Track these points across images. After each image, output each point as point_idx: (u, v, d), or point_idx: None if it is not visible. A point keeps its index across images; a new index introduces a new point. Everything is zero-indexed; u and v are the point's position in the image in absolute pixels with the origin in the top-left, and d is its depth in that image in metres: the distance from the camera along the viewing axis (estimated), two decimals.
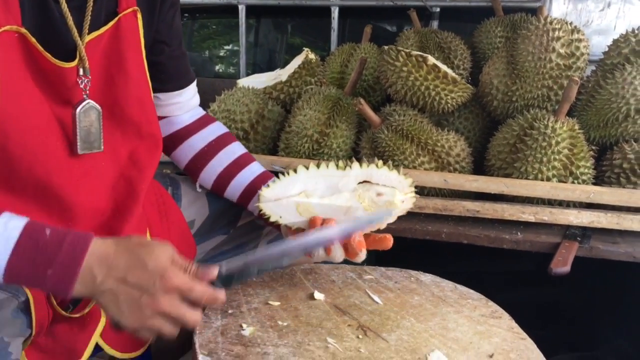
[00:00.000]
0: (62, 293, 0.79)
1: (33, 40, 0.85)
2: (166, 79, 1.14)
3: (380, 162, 1.01)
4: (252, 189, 1.17)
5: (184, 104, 1.20)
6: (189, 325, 0.85)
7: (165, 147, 1.23)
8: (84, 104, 0.92)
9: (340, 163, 1.01)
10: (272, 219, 1.01)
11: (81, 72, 0.92)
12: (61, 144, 0.91)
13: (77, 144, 0.93)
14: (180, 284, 0.82)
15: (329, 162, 1.01)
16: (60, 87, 0.90)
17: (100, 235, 0.92)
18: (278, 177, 1.01)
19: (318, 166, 1.01)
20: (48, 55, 0.87)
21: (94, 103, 0.94)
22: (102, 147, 0.97)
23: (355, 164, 1.00)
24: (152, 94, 1.07)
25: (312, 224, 1.00)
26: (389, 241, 1.03)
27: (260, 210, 1.01)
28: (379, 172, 1.00)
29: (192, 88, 1.21)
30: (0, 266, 0.77)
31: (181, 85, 1.17)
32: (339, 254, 1.00)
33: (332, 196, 1.01)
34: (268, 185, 1.02)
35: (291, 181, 1.01)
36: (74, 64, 0.90)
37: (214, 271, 0.87)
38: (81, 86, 0.92)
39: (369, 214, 1.01)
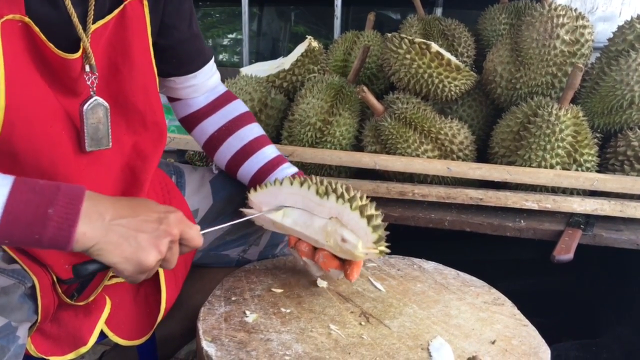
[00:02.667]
0: (66, 235, 0.75)
1: (36, 29, 0.84)
2: (178, 63, 1.12)
3: (355, 204, 0.95)
4: (262, 173, 1.17)
5: (199, 86, 1.18)
6: (173, 263, 0.88)
7: (185, 126, 1.25)
8: (91, 100, 0.92)
9: (321, 188, 1.00)
10: (257, 223, 1.09)
11: (87, 68, 0.91)
12: (67, 135, 0.90)
13: (85, 141, 0.92)
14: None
15: (311, 185, 1.02)
16: (65, 78, 0.90)
17: None
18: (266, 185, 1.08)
19: (301, 185, 1.03)
20: (51, 46, 0.86)
21: (102, 100, 0.93)
22: (110, 144, 0.96)
23: (332, 196, 0.98)
24: (157, 82, 1.05)
25: (289, 242, 1.06)
26: (358, 268, 0.98)
27: (246, 215, 1.07)
28: (350, 215, 0.96)
29: (208, 69, 1.18)
30: None
31: (195, 67, 1.15)
32: (315, 270, 1.04)
33: (305, 224, 1.02)
34: (256, 190, 1.08)
35: (275, 192, 1.06)
36: (77, 55, 0.89)
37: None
38: (88, 83, 0.91)
39: (329, 248, 1.00)
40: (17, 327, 0.85)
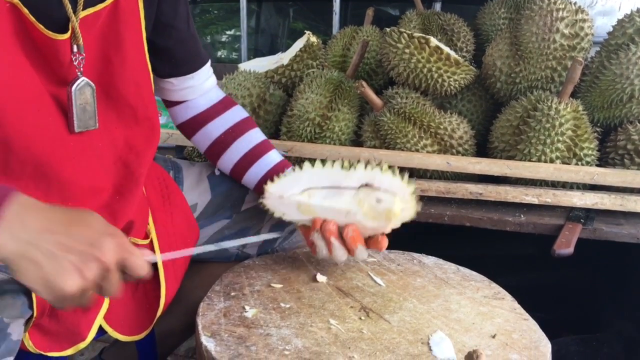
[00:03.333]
0: None
1: (25, 10, 0.82)
2: (176, 63, 1.12)
3: (385, 166, 0.98)
4: (268, 178, 1.14)
5: (197, 87, 1.18)
6: (111, 292, 0.76)
7: (185, 132, 1.23)
8: (78, 81, 0.91)
9: (346, 163, 1.00)
10: (275, 215, 1.03)
11: (75, 49, 0.89)
12: (57, 120, 0.89)
13: (74, 122, 0.91)
14: (125, 247, 0.76)
15: (334, 161, 1.00)
16: (53, 61, 0.88)
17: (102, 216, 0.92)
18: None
19: (324, 164, 1.01)
20: (40, 27, 0.84)
21: (88, 80, 0.92)
22: (97, 125, 0.95)
23: (360, 165, 0.99)
24: (151, 78, 1.05)
25: (313, 226, 1.00)
26: (383, 242, 1.01)
27: (264, 207, 1.03)
28: (382, 176, 0.98)
29: (205, 70, 1.18)
30: None
31: (192, 68, 1.15)
32: (340, 253, 1.00)
33: (333, 198, 0.99)
34: (273, 180, 1.03)
35: (296, 177, 1.02)
36: (66, 36, 0.88)
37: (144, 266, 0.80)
38: (75, 63, 0.90)
39: (363, 216, 0.99)
40: (9, 323, 0.83)
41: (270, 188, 1.02)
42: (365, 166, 0.99)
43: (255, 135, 1.22)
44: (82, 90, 0.91)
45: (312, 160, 1.04)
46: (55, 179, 0.88)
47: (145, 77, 1.03)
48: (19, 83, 0.84)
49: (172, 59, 1.11)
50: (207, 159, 1.26)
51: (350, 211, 0.98)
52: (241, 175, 1.20)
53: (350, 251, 1.00)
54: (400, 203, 0.96)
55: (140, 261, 0.78)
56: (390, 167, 0.98)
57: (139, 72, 1.01)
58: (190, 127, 1.22)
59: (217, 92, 1.23)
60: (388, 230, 1.00)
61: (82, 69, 0.91)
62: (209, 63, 1.20)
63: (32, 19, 0.83)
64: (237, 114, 1.23)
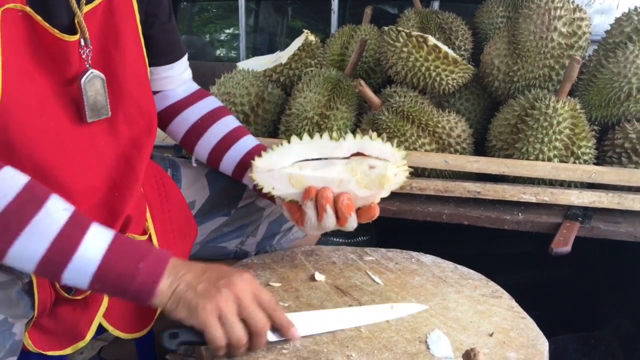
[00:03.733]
0: (149, 290, 0.80)
1: (38, 18, 0.84)
2: (157, 53, 1.12)
3: (374, 134, 0.99)
4: (246, 162, 1.15)
5: (175, 77, 1.19)
6: (233, 335, 0.81)
7: (160, 122, 1.22)
8: (87, 73, 0.93)
9: (334, 134, 1.00)
10: (265, 190, 1.00)
11: (82, 42, 0.91)
12: (61, 119, 0.90)
13: (86, 112, 0.93)
14: (241, 293, 0.82)
15: (322, 133, 1.00)
16: (63, 63, 0.90)
17: (99, 214, 0.94)
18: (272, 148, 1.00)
19: (311, 136, 1.00)
20: (54, 31, 0.86)
21: (98, 72, 0.94)
22: (110, 113, 0.97)
23: (349, 135, 0.99)
24: (148, 71, 1.06)
25: (306, 194, 0.97)
26: (374, 210, 1.00)
27: (254, 181, 1.00)
28: (372, 144, 0.98)
29: (183, 62, 1.20)
30: (96, 258, 0.79)
31: (172, 58, 1.16)
32: (330, 221, 0.98)
33: (325, 168, 0.99)
34: (261, 155, 1.00)
35: (284, 151, 0.99)
36: (76, 37, 0.90)
37: (294, 331, 0.84)
38: (83, 56, 0.92)
39: (356, 184, 0.98)
40: (13, 323, 0.84)
41: (259, 162, 0.99)
42: (354, 135, 0.99)
43: (231, 121, 1.22)
44: (92, 82, 0.93)
45: (299, 134, 1.04)
46: (54, 181, 0.89)
47: (144, 70, 1.04)
48: (26, 89, 0.85)
49: (153, 48, 1.11)
50: (183, 148, 1.26)
51: (344, 180, 0.98)
52: (219, 159, 1.19)
53: (342, 220, 0.99)
54: (393, 168, 0.98)
55: (268, 296, 0.85)
56: (379, 134, 0.99)
57: (139, 65, 1.03)
58: (166, 115, 1.22)
59: (192, 84, 1.25)
60: (379, 198, 1.01)
61: (90, 62, 0.93)
62: (185, 57, 1.21)
63: (46, 24, 0.86)
64: (213, 102, 1.24)
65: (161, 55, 1.14)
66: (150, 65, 1.11)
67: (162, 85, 1.19)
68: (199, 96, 1.23)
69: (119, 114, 0.99)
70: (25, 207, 0.77)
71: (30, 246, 0.77)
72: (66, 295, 0.95)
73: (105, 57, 0.97)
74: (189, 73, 1.24)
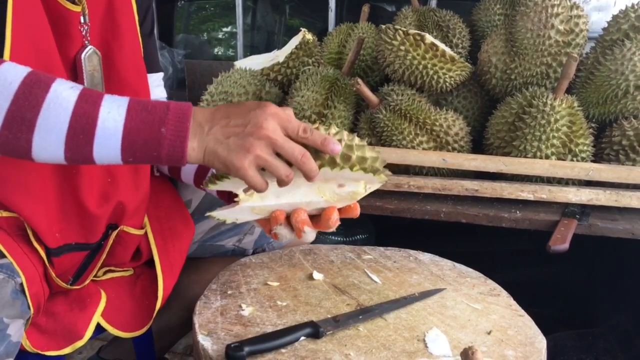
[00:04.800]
0: (179, 152, 0.79)
1: None
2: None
3: (340, 162, 0.86)
4: (205, 169, 1.10)
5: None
6: (280, 174, 0.81)
7: None
8: (87, 49, 0.94)
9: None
10: (228, 222, 0.95)
11: (82, 19, 0.93)
12: None
13: None
14: (271, 134, 0.80)
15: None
16: (65, 36, 0.92)
17: (90, 195, 0.95)
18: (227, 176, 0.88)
19: None
20: None
21: (95, 48, 0.96)
22: (104, 91, 0.97)
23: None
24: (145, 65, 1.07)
25: (274, 220, 0.92)
26: (355, 209, 0.95)
27: (212, 218, 0.93)
28: (341, 174, 0.87)
29: (157, 77, 1.18)
30: (118, 128, 0.77)
31: (148, 70, 1.12)
32: (310, 237, 0.95)
33: (288, 194, 0.90)
34: (215, 182, 0.92)
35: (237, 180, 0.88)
36: (79, 8, 0.93)
37: (336, 146, 0.84)
38: (83, 32, 0.94)
39: (326, 203, 0.92)
40: (8, 324, 0.84)
41: (214, 214, 0.93)
42: (321, 166, 0.86)
43: None
44: (91, 58, 0.95)
45: None
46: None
47: (142, 63, 1.05)
48: (36, 47, 0.87)
49: None
50: None
51: (311, 202, 0.91)
52: (178, 169, 1.14)
53: (298, 234, 0.94)
54: (365, 183, 0.90)
55: (290, 147, 0.82)
56: (346, 155, 0.86)
57: (137, 57, 1.04)
58: None
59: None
60: (354, 201, 0.95)
61: (88, 38, 0.95)
62: (161, 74, 1.19)
63: None
64: None
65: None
66: None
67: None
68: None
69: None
70: (33, 91, 0.76)
71: (50, 128, 0.76)
72: (64, 284, 0.95)
73: (103, 47, 0.98)
74: (162, 92, 1.21)
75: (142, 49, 1.06)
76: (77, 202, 0.95)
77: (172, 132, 0.78)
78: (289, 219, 0.93)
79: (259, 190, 0.82)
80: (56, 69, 0.90)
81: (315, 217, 0.94)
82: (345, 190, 0.90)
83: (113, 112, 0.77)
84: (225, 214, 0.92)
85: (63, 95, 0.77)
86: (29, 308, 0.88)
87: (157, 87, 1.18)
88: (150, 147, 0.78)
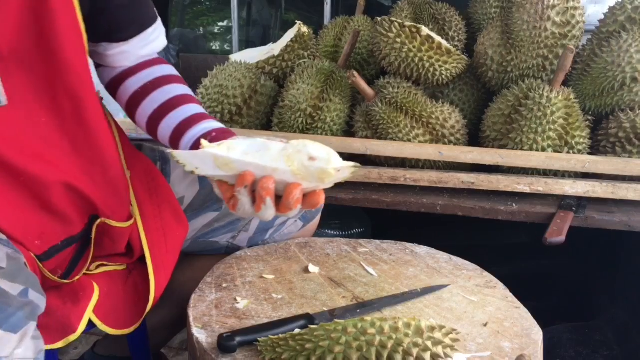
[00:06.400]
0: None
1: None
2: (111, 30, 1.01)
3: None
4: (182, 129, 1.03)
5: (130, 54, 1.07)
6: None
7: (111, 95, 1.13)
8: None
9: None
10: (187, 169, 0.87)
11: None
12: None
13: None
14: None
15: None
16: None
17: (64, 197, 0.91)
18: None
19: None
20: None
21: None
22: (5, 101, 0.84)
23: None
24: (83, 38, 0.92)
25: (240, 181, 0.85)
26: (319, 196, 0.88)
27: (173, 158, 0.87)
28: (312, 143, 0.85)
29: (144, 37, 1.05)
30: None
31: (128, 35, 1.03)
32: (269, 213, 0.87)
33: (257, 153, 0.85)
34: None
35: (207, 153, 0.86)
36: None
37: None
38: None
39: (292, 175, 0.85)
40: (27, 288, 0.78)
41: (175, 153, 0.87)
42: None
43: (174, 89, 1.08)
44: None
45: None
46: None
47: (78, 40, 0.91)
48: None
49: (107, 24, 0.99)
50: (128, 116, 1.14)
51: (278, 169, 0.84)
52: (156, 127, 1.07)
53: (285, 209, 0.88)
54: (335, 163, 0.84)
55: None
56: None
57: (72, 33, 0.89)
58: (113, 85, 1.11)
59: (153, 55, 1.13)
60: (322, 188, 0.89)
61: None
62: (152, 29, 1.06)
63: None
64: (165, 69, 1.11)
65: (115, 32, 1.02)
66: (101, 41, 1.02)
67: (115, 61, 1.08)
68: (152, 63, 1.11)
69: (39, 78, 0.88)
70: None
71: None
72: (54, 277, 0.93)
73: (24, 31, 0.83)
74: (151, 48, 1.09)
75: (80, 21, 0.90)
76: (42, 206, 0.90)
77: None
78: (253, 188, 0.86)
79: None
80: None
81: (278, 199, 0.87)
82: (315, 165, 0.84)
83: None
84: (185, 157, 0.86)
85: None
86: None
87: (148, 44, 1.08)
88: None
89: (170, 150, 0.87)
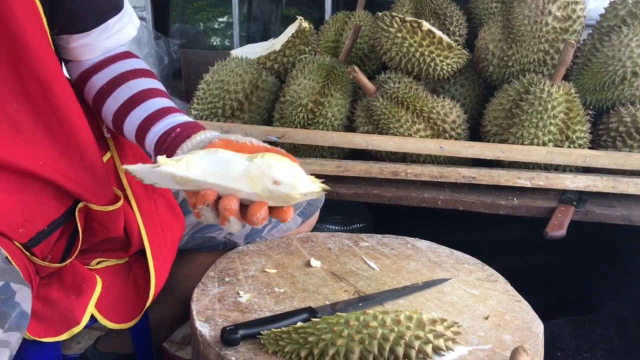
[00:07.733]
0: None
1: None
2: (69, 20, 0.95)
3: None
4: (147, 124, 0.98)
5: (94, 46, 1.01)
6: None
7: (79, 90, 1.06)
8: None
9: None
10: (145, 182, 0.84)
11: None
12: None
13: None
14: None
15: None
16: None
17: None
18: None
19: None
20: None
21: None
22: None
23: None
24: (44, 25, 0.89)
25: (201, 199, 0.82)
26: (288, 212, 0.86)
27: (130, 173, 0.83)
28: (277, 162, 0.81)
29: (107, 27, 1.00)
30: None
31: (88, 26, 0.98)
32: (234, 228, 0.84)
33: (219, 172, 0.81)
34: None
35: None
36: None
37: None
38: None
39: (256, 197, 0.82)
40: (15, 291, 0.79)
41: (131, 168, 0.83)
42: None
43: (149, 82, 1.03)
44: None
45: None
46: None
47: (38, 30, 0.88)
48: None
49: (64, 14, 0.93)
50: (95, 114, 1.08)
51: (240, 192, 0.81)
52: (122, 123, 1.01)
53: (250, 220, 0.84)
54: (301, 188, 0.81)
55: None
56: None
57: (30, 16, 0.86)
58: (81, 82, 1.05)
59: (120, 48, 1.07)
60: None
61: None
62: (117, 17, 1.00)
63: None
64: (134, 64, 1.05)
65: (74, 22, 0.96)
66: (61, 33, 0.98)
67: (78, 54, 1.03)
68: (119, 57, 1.05)
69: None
70: None
71: None
72: (44, 262, 0.93)
73: None
74: (116, 39, 1.03)
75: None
76: (23, 192, 0.89)
77: None
78: (217, 201, 0.83)
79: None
80: None
81: (244, 208, 0.83)
82: (279, 189, 0.80)
83: None
84: (143, 173, 0.82)
85: None
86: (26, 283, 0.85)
87: (112, 35, 1.02)
88: None
89: (125, 166, 0.84)
